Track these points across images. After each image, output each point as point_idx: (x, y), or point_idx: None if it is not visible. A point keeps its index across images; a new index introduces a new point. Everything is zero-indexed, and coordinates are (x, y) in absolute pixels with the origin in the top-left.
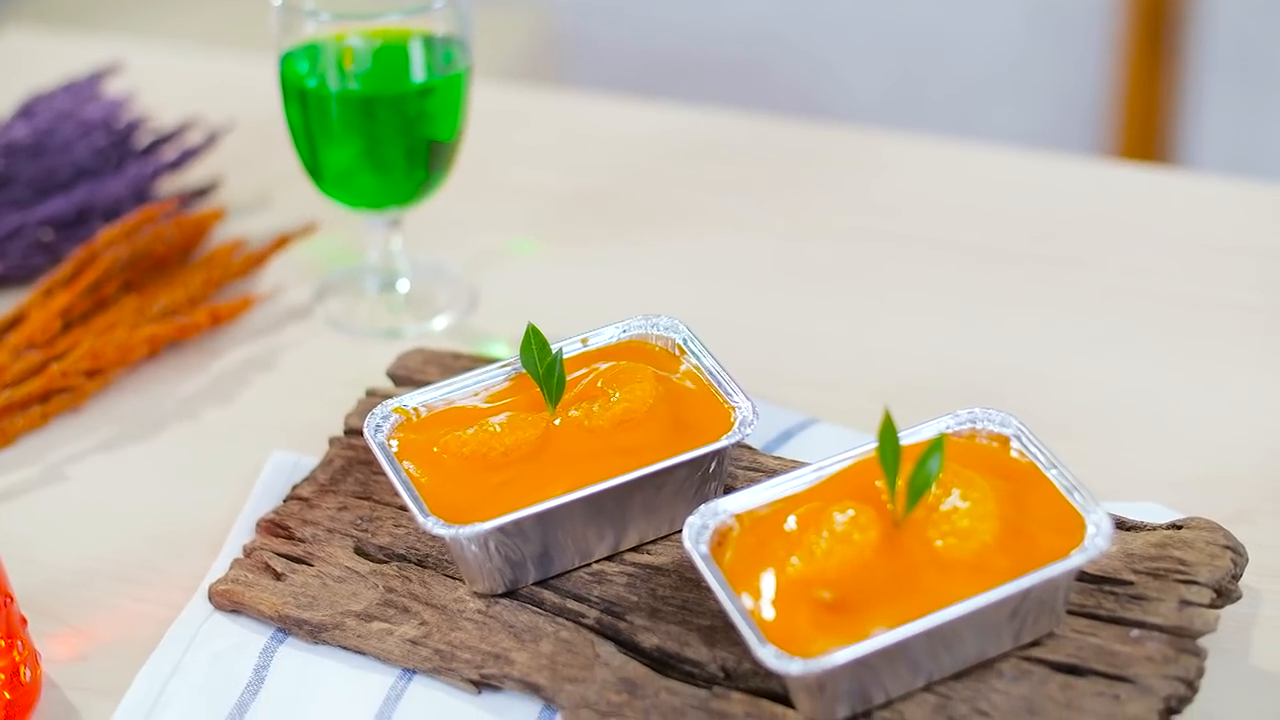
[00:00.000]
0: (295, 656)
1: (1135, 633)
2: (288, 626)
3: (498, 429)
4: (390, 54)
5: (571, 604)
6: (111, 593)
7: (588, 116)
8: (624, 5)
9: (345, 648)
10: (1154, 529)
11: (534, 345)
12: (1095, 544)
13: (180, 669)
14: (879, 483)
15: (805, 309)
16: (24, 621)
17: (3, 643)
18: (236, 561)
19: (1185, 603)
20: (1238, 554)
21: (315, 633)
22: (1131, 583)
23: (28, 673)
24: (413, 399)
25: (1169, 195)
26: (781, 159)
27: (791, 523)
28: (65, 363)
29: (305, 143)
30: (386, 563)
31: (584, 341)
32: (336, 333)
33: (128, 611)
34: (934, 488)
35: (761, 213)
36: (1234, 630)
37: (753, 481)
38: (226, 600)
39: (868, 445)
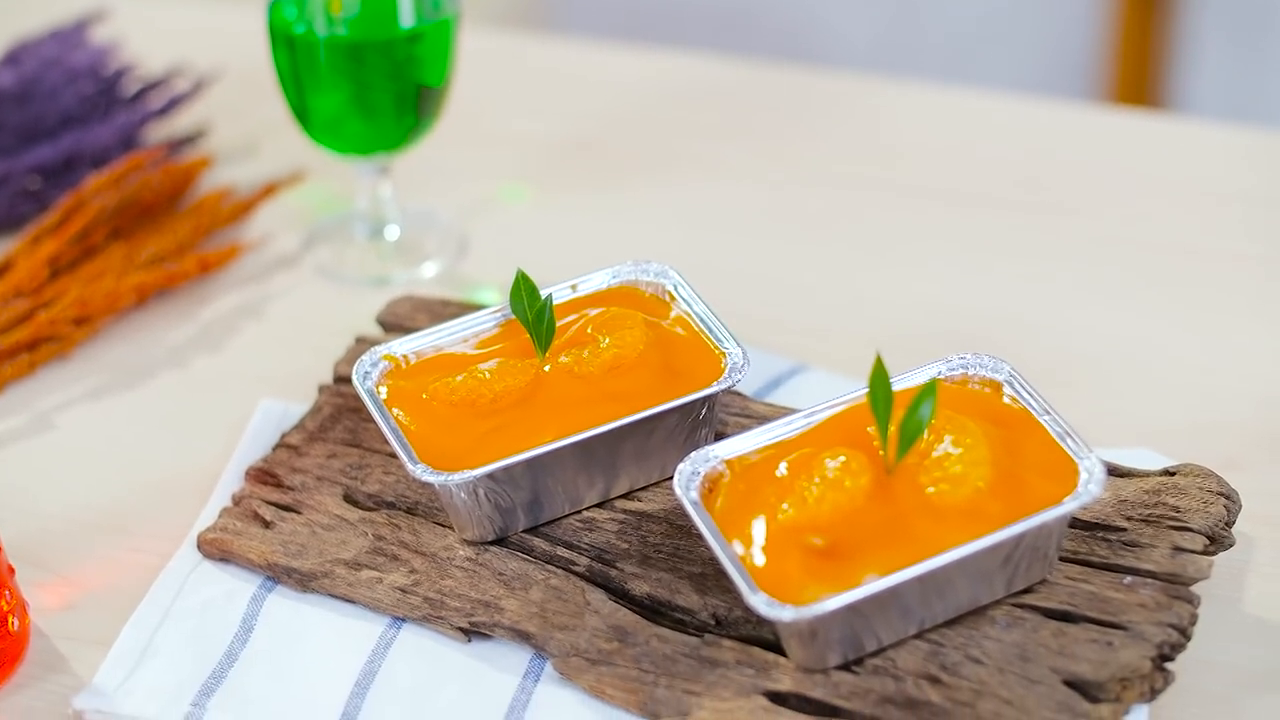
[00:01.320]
0: (284, 605)
1: (1128, 579)
2: (276, 575)
3: (487, 375)
4: None
5: (562, 551)
6: (100, 541)
7: (578, 63)
8: None
9: (334, 596)
10: (1147, 475)
11: (523, 291)
12: (1088, 490)
13: (169, 617)
14: (871, 429)
15: (796, 255)
16: (11, 571)
17: None
18: (225, 510)
19: (1178, 549)
20: (1231, 500)
21: (304, 581)
22: (1124, 529)
23: (15, 622)
24: (402, 346)
25: (1163, 141)
26: (772, 105)
27: (783, 469)
28: (53, 311)
29: (293, 89)
30: (376, 510)
31: (573, 288)
32: (325, 280)
33: (116, 560)
34: (926, 434)
35: (752, 159)
36: (1227, 577)
37: (744, 428)
38: (215, 549)
39: (859, 391)
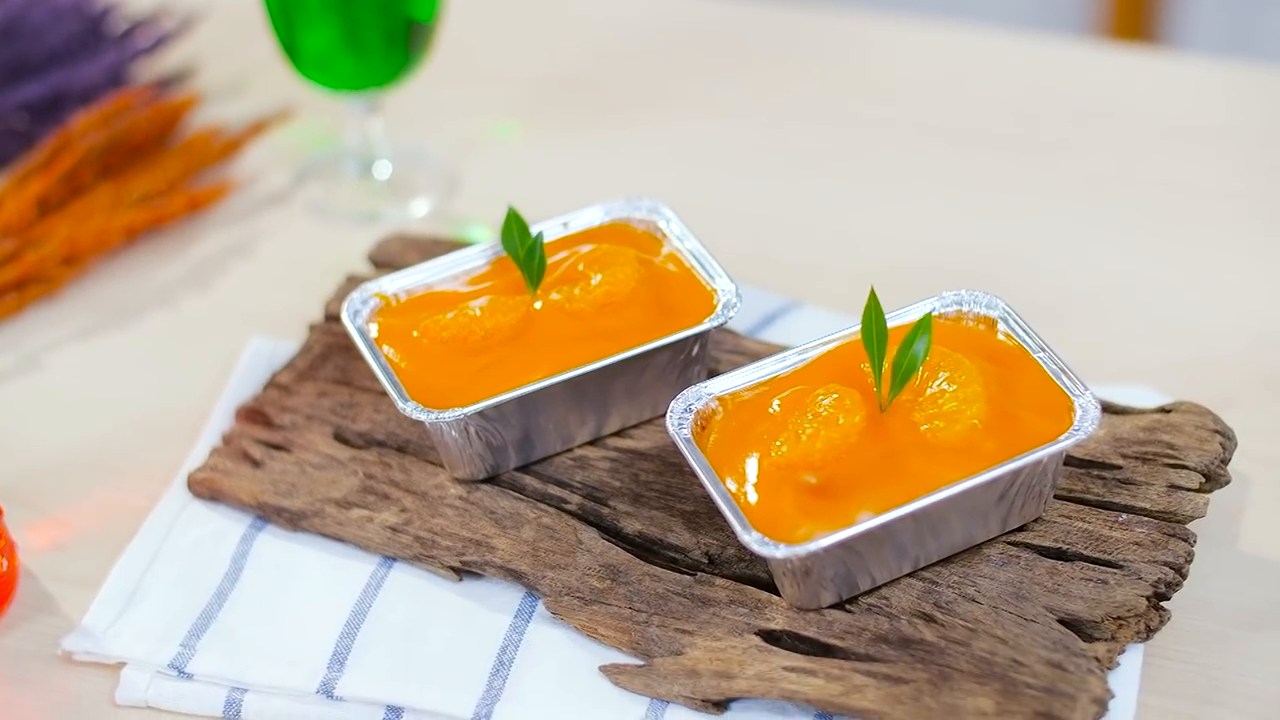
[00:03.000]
0: (274, 544)
1: (1124, 517)
2: (266, 514)
3: (478, 313)
4: None
5: (553, 489)
6: (89, 482)
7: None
8: None
9: (324, 535)
10: (1142, 413)
11: (514, 228)
12: (1083, 427)
13: (158, 559)
14: (864, 366)
15: (789, 193)
16: (0, 511)
17: None
18: (215, 450)
19: (1174, 487)
20: (1226, 438)
21: (294, 520)
22: (1119, 467)
23: (4, 563)
24: (392, 283)
25: (1160, 77)
26: (766, 43)
27: (775, 406)
28: (41, 250)
29: (283, 25)
30: (366, 449)
31: (565, 225)
32: (315, 218)
33: (106, 501)
34: (920, 370)
35: (745, 96)
36: (1222, 515)
37: (736, 365)
38: (205, 489)
39: (852, 328)
